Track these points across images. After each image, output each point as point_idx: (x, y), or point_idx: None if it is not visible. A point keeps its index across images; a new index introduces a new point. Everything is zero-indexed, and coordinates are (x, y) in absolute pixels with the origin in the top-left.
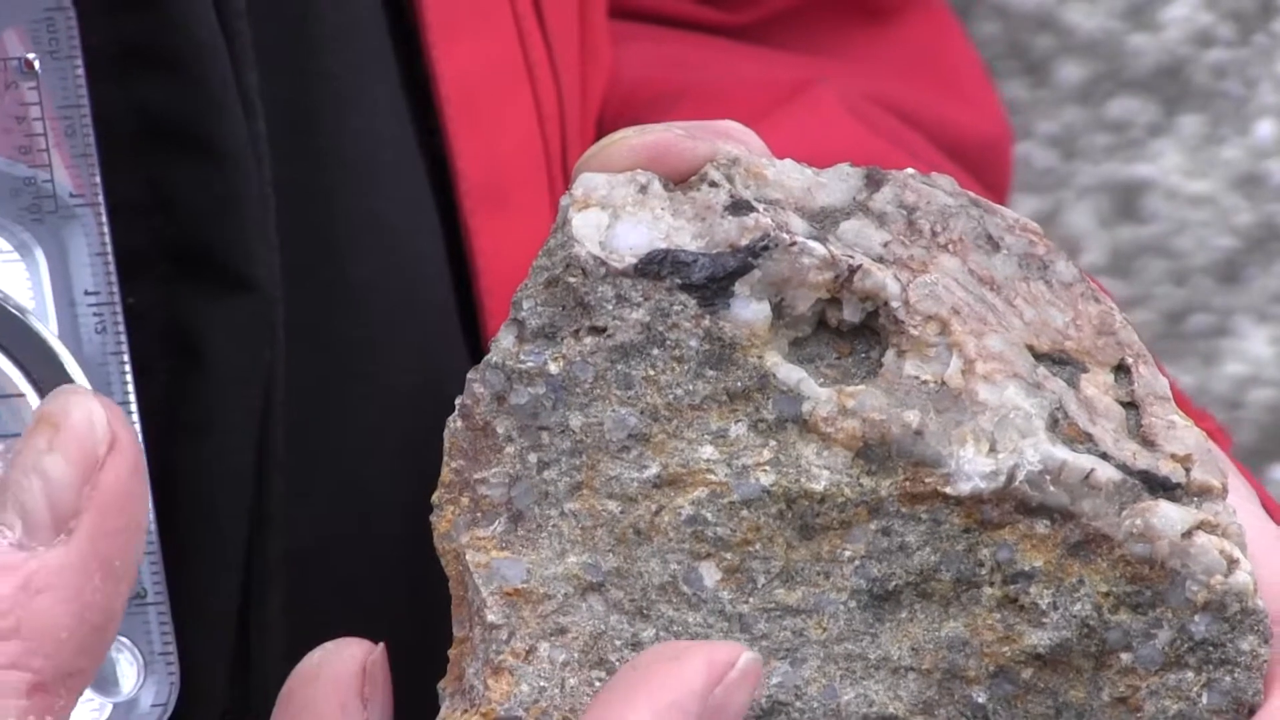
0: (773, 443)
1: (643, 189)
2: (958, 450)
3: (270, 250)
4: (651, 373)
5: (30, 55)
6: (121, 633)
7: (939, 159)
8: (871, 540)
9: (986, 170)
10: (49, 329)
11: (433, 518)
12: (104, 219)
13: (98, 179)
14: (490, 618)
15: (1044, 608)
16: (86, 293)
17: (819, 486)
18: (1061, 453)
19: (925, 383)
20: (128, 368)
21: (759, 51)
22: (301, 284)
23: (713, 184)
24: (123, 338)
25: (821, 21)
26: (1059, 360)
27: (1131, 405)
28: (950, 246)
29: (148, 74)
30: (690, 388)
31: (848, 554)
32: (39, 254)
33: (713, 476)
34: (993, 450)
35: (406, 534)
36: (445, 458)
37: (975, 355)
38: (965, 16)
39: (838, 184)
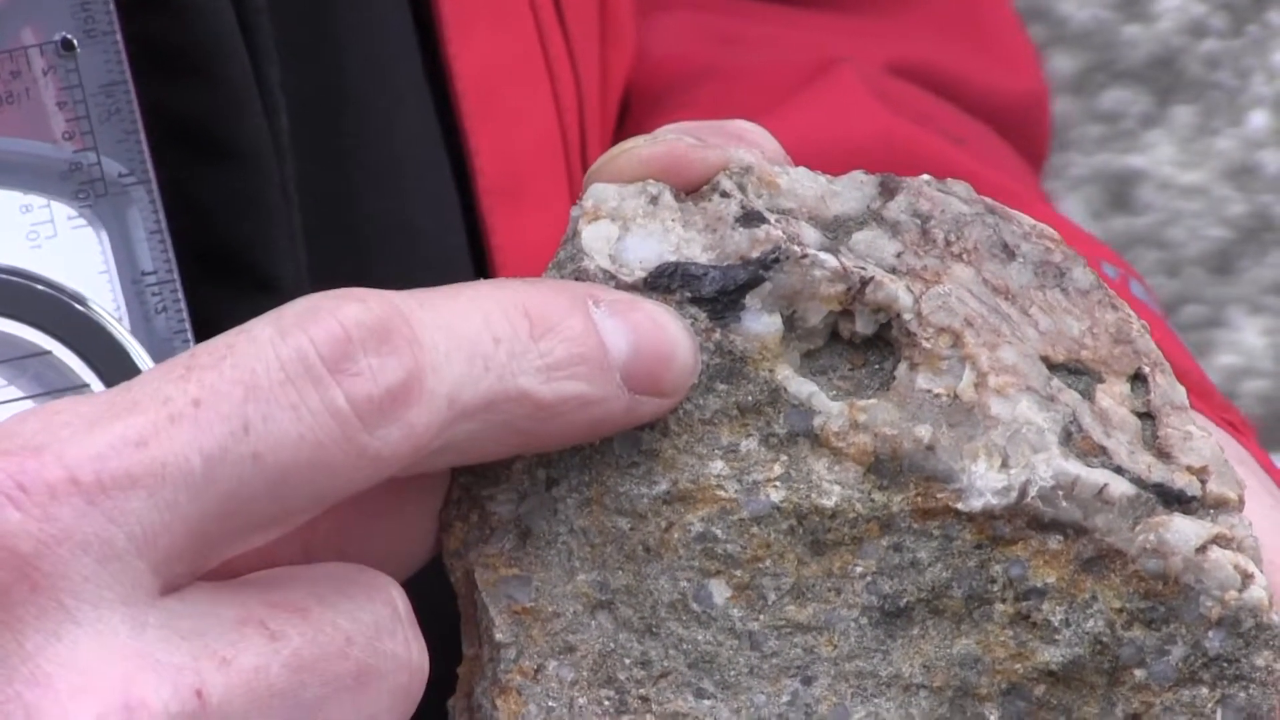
0: (784, 457)
1: (653, 200)
2: (970, 465)
3: (294, 249)
4: None
5: (69, 35)
6: None
7: (968, 130)
8: (883, 556)
9: (1022, 130)
10: (116, 311)
11: (441, 534)
12: (156, 197)
13: (146, 156)
14: (498, 636)
15: (1056, 624)
16: (144, 273)
17: (830, 502)
18: (1074, 468)
19: (937, 396)
20: (191, 346)
21: (794, 15)
22: (325, 282)
23: (724, 194)
24: (184, 317)
25: None
26: (1074, 370)
27: (1148, 415)
28: (964, 256)
29: (166, 73)
30: (700, 402)
31: (859, 570)
32: (103, 233)
33: (723, 493)
34: (1005, 465)
35: None
36: (453, 473)
37: (988, 368)
38: None
39: (851, 192)
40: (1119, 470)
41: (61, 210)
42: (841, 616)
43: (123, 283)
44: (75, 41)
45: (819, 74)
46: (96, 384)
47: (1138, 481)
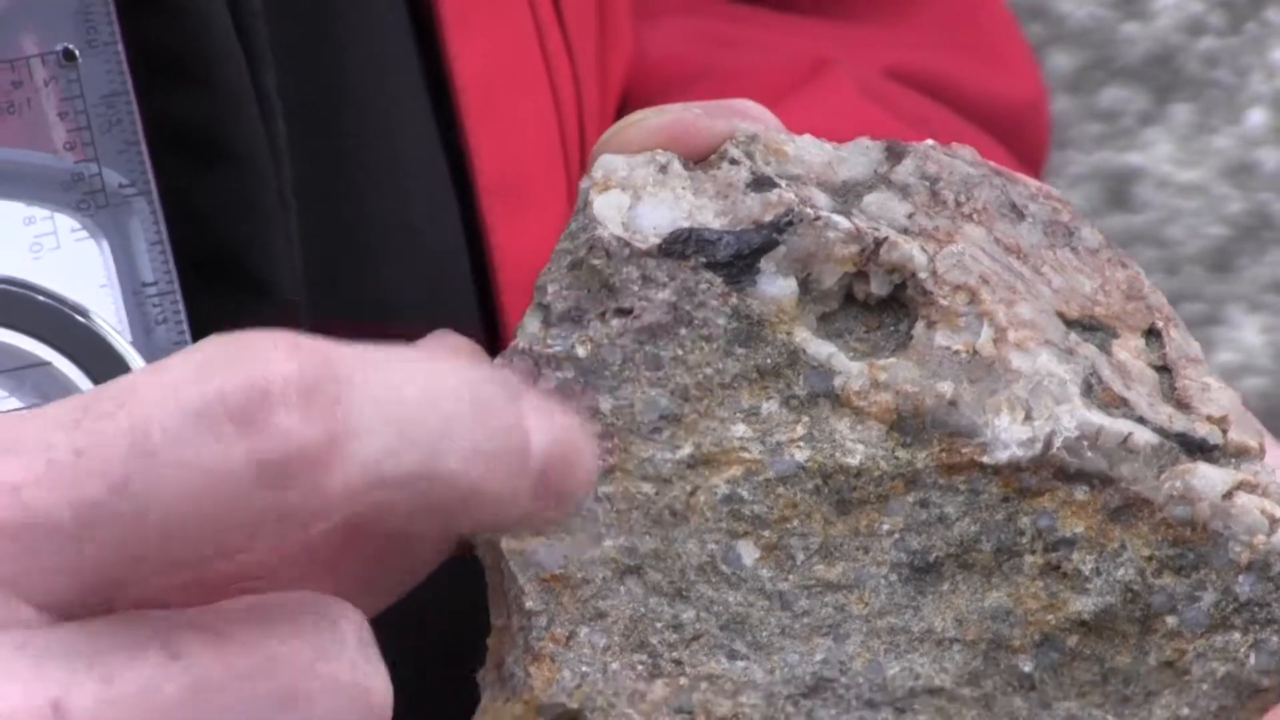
0: (805, 418)
1: (663, 169)
2: (993, 419)
3: (291, 252)
4: (680, 352)
5: (70, 45)
6: None
7: (965, 135)
8: (910, 513)
9: (1020, 135)
10: (118, 322)
11: None
12: (157, 207)
13: (148, 167)
14: (528, 604)
15: (1087, 574)
16: (145, 284)
17: (854, 461)
18: (1098, 418)
19: (957, 353)
20: None
21: (791, 21)
22: (324, 286)
23: (733, 161)
24: (184, 327)
25: None
26: (1089, 326)
27: (1164, 369)
28: (975, 216)
29: (161, 77)
30: (720, 366)
31: (886, 527)
32: (105, 244)
33: (747, 454)
34: (1028, 418)
35: None
36: None
37: (1006, 323)
38: None
39: (858, 158)
40: (1141, 420)
41: (65, 222)
42: (871, 574)
43: (124, 294)
44: (77, 52)
45: (812, 75)
46: None
47: (1160, 431)
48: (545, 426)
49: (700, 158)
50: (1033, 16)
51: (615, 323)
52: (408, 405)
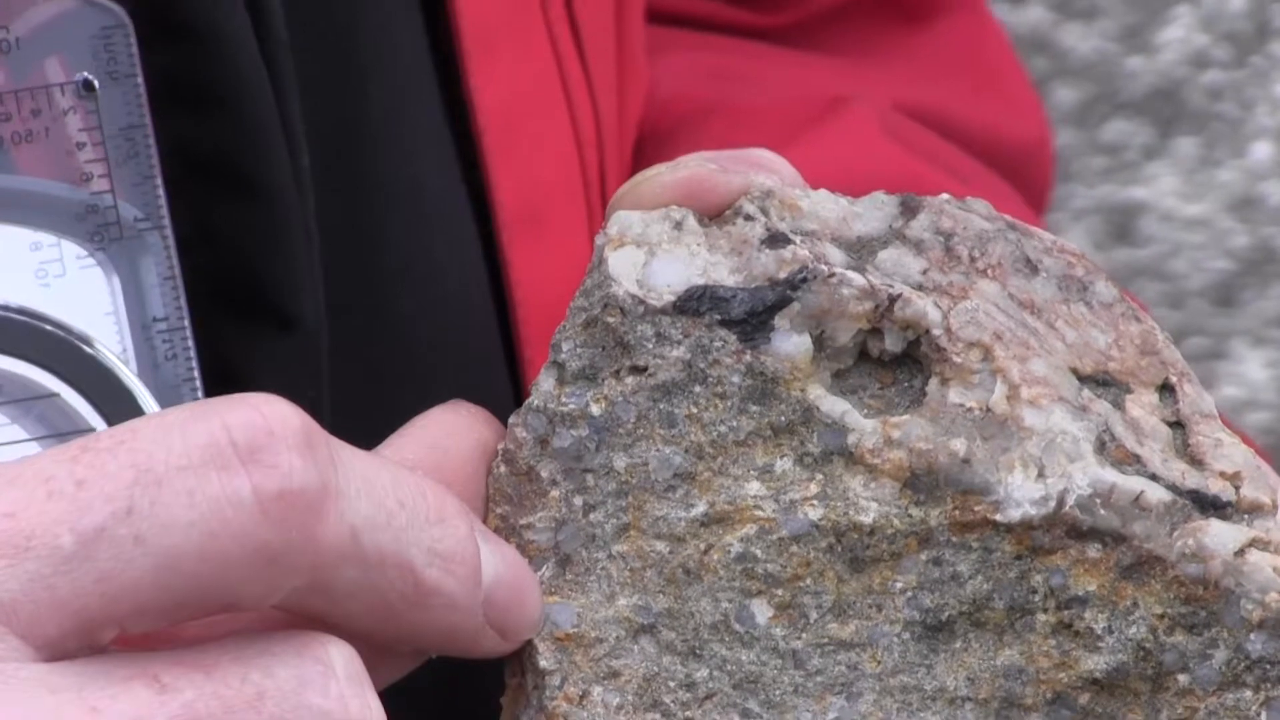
0: (819, 476)
1: (677, 225)
2: (1006, 477)
3: (314, 285)
4: (694, 410)
5: (90, 76)
6: None
7: (977, 171)
8: (923, 571)
9: (1026, 174)
10: (123, 354)
11: None
12: (171, 242)
13: (163, 201)
14: (542, 663)
15: (1099, 632)
16: (155, 319)
17: (868, 519)
18: (1111, 475)
19: (970, 410)
20: (200, 395)
21: (798, 57)
22: (344, 317)
23: (748, 217)
24: (193, 363)
25: (860, 22)
26: (1103, 382)
27: (1177, 424)
28: (989, 271)
29: (189, 107)
30: (734, 424)
31: (899, 585)
32: (115, 277)
33: (760, 513)
34: (1041, 475)
35: None
36: (489, 504)
37: (1019, 380)
38: None
39: (873, 212)
40: (1154, 477)
41: (71, 249)
42: (884, 632)
43: (131, 327)
44: (96, 83)
45: (831, 111)
46: (103, 428)
47: (1173, 488)
48: (495, 551)
49: (715, 213)
50: (1037, 50)
51: (630, 380)
52: (381, 486)
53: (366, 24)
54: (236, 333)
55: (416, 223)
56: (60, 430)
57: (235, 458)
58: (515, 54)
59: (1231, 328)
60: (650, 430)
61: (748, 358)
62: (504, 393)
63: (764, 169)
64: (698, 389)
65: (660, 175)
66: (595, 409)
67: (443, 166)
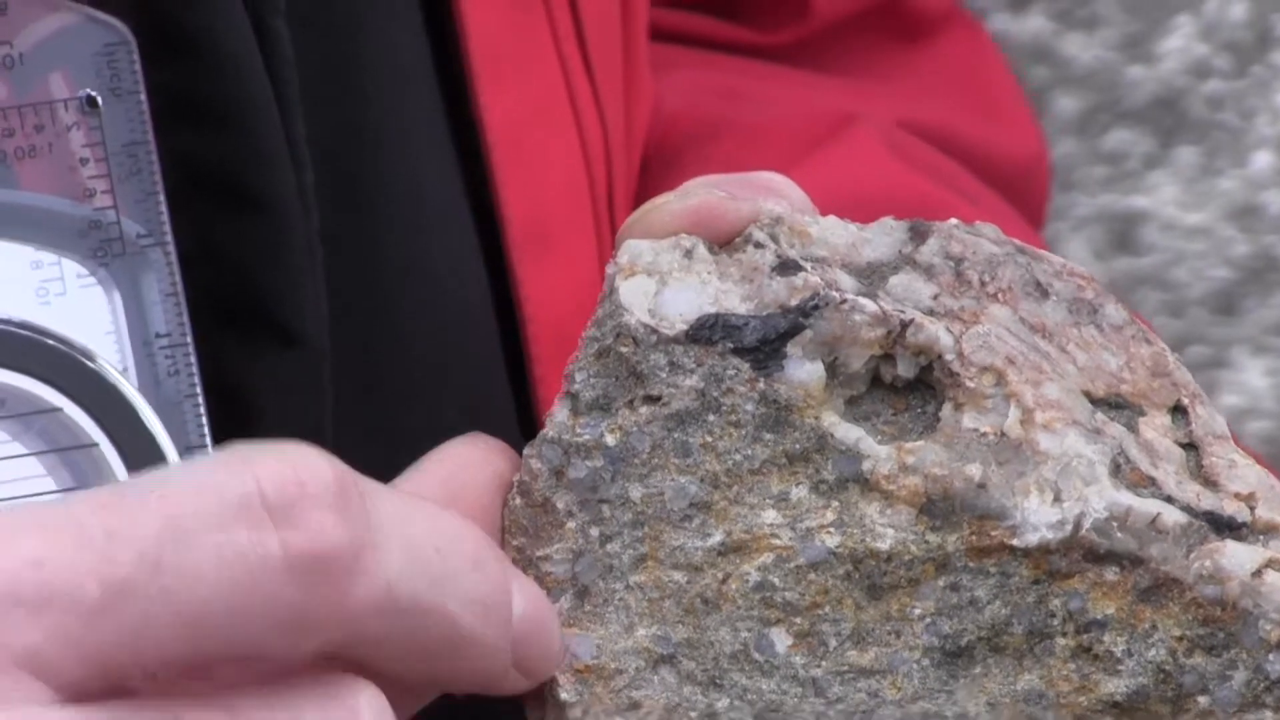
0: (835, 503)
1: (688, 253)
2: (1022, 501)
3: (317, 301)
4: (709, 439)
5: (93, 92)
6: None
7: (980, 190)
8: (941, 597)
9: (1024, 191)
10: (124, 371)
11: None
12: (173, 259)
13: (165, 218)
14: (563, 696)
15: (1119, 655)
16: (158, 335)
17: (884, 545)
18: (1126, 498)
19: (984, 435)
20: (202, 411)
21: (801, 75)
22: (346, 334)
23: (758, 245)
24: (195, 380)
25: (859, 41)
26: (1116, 404)
27: (1191, 446)
28: (1000, 296)
29: (192, 123)
30: (749, 452)
31: (918, 612)
32: (116, 295)
33: (777, 541)
34: (1057, 499)
35: None
36: (505, 536)
37: (1033, 404)
38: None
39: (882, 238)
40: (1169, 500)
41: (71, 268)
42: (903, 659)
43: (133, 344)
44: (99, 99)
45: (838, 129)
46: (105, 443)
47: (1188, 510)
48: (520, 592)
49: (725, 240)
50: (1037, 59)
51: (644, 410)
52: (418, 535)
53: (367, 37)
54: (239, 349)
55: (419, 240)
56: (61, 445)
57: (266, 514)
58: (523, 71)
59: (1232, 336)
60: (665, 460)
61: (761, 385)
62: (505, 407)
63: (773, 194)
64: (712, 418)
65: (669, 204)
66: (610, 439)
67: (446, 184)
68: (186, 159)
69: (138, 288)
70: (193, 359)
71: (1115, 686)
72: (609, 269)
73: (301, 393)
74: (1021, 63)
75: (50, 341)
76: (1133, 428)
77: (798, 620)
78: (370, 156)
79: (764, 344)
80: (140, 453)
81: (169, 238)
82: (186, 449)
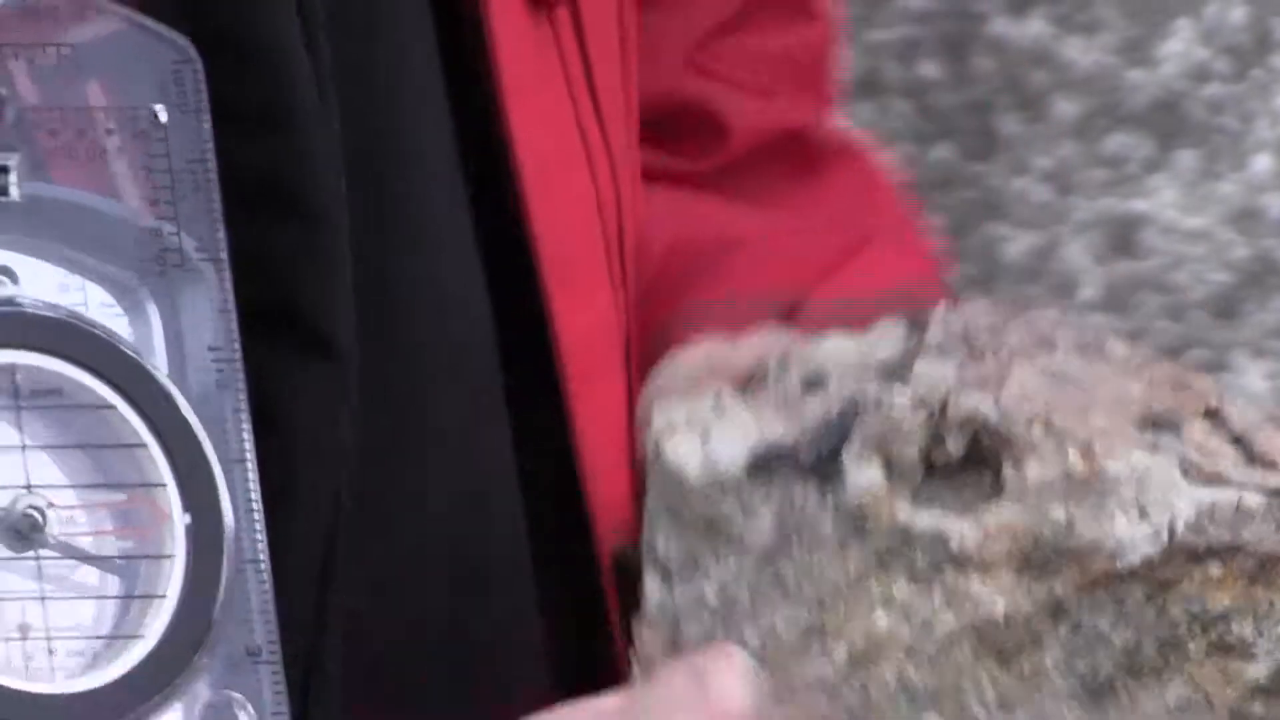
0: (938, 587)
1: (718, 401)
2: (1110, 527)
3: (349, 308)
4: (800, 566)
5: (159, 107)
6: (238, 689)
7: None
8: (1066, 641)
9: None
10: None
11: None
12: (227, 274)
13: (222, 234)
14: None
15: (1250, 640)
16: (210, 348)
17: (998, 610)
18: (1207, 494)
19: (1051, 481)
20: (246, 424)
21: (719, 203)
22: (368, 342)
23: (778, 377)
24: (243, 395)
25: (764, 172)
26: (1155, 424)
27: (1237, 440)
28: (1015, 356)
29: (238, 128)
30: (841, 566)
31: (1049, 662)
32: (151, 308)
33: (899, 638)
34: (1144, 515)
35: (454, 600)
36: None
37: (1087, 438)
38: (961, 53)
39: (887, 338)
40: (1242, 486)
41: (96, 294)
42: (1052, 709)
43: (170, 360)
44: (163, 114)
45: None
46: (154, 445)
47: (1262, 489)
48: None
49: (742, 379)
50: (1038, 63)
51: (731, 559)
52: None
53: (383, 54)
54: (271, 357)
55: (429, 255)
56: (105, 442)
57: None
58: (544, 108)
59: (1232, 339)
60: (767, 597)
61: (830, 500)
62: (502, 432)
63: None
64: (795, 545)
65: (680, 360)
66: (709, 594)
67: (457, 202)
68: (232, 164)
69: (178, 302)
70: (241, 375)
71: (1256, 670)
72: (648, 435)
73: (333, 403)
74: (1022, 67)
75: (110, 340)
76: (1180, 437)
77: (946, 703)
78: (387, 169)
79: (820, 462)
80: (186, 461)
81: (224, 254)
82: (227, 461)
